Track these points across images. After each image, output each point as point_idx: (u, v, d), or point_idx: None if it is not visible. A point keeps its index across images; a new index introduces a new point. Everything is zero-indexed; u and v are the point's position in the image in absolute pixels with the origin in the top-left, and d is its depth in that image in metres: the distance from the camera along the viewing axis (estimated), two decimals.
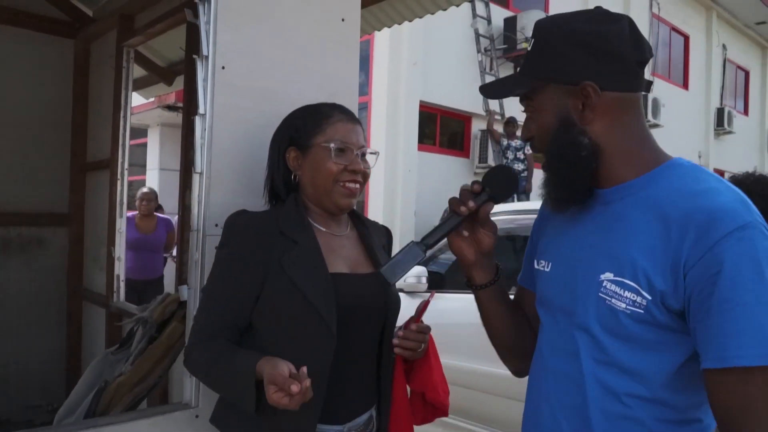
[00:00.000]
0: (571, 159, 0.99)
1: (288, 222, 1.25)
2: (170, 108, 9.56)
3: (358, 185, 1.29)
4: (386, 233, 1.49)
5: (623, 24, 0.98)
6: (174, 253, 6.89)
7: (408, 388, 1.36)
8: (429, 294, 1.32)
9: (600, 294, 0.95)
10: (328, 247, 1.27)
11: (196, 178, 1.41)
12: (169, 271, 6.19)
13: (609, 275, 0.94)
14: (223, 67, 1.42)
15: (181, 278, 2.00)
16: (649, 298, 0.90)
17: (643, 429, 0.94)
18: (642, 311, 0.91)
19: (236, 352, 1.17)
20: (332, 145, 1.26)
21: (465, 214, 1.11)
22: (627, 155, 0.99)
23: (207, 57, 1.40)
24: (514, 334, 1.21)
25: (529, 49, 1.06)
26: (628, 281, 0.92)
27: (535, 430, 1.08)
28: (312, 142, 1.28)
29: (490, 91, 1.14)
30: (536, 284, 1.14)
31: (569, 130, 0.99)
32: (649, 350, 0.93)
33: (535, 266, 1.14)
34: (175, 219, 8.13)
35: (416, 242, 1.14)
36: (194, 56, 1.41)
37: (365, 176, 1.31)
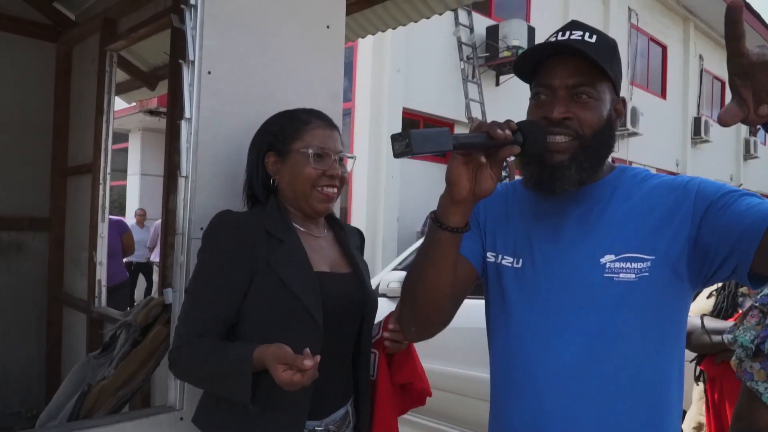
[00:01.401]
0: (609, 149, 1.12)
1: (272, 222, 1.28)
2: (152, 113, 9.49)
3: (335, 189, 1.33)
4: (359, 235, 1.53)
5: None
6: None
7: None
8: None
9: (605, 275, 1.05)
10: (309, 247, 1.31)
11: (181, 182, 1.42)
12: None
13: (610, 257, 1.06)
14: (210, 72, 1.43)
15: (165, 282, 2.00)
16: (652, 257, 1.04)
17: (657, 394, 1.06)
18: (648, 274, 1.03)
19: (228, 346, 1.19)
20: (311, 150, 1.29)
21: (499, 138, 0.97)
22: (606, 163, 1.15)
23: (193, 62, 1.41)
24: (448, 291, 1.11)
25: (593, 41, 1.08)
26: (631, 254, 1.05)
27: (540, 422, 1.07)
28: (290, 148, 1.31)
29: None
30: (499, 278, 1.15)
31: (612, 128, 1.12)
32: (657, 315, 1.05)
33: (494, 260, 1.17)
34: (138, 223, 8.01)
35: (452, 134, 0.98)
36: (180, 61, 1.43)
37: (342, 181, 1.34)
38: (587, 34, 1.09)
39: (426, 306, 1.12)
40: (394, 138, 0.94)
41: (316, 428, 1.26)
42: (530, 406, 1.08)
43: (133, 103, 7.64)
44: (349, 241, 1.43)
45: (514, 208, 1.20)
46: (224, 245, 1.23)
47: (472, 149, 0.99)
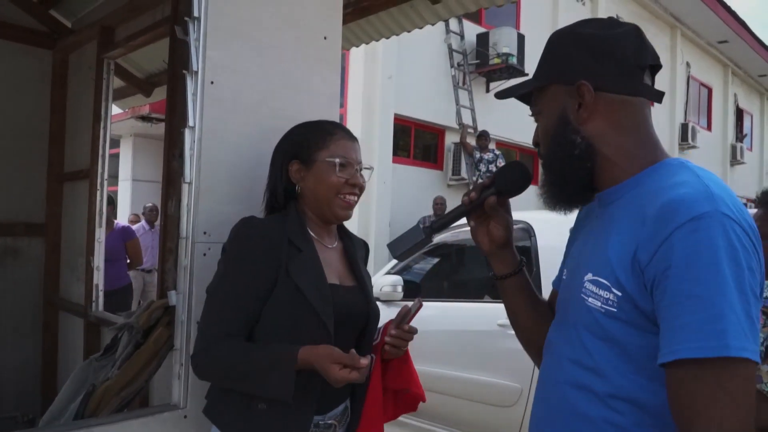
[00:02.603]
0: (565, 157, 1.02)
1: (293, 230, 1.34)
2: (144, 119, 9.49)
3: (355, 198, 1.41)
4: (365, 246, 1.59)
5: (628, 29, 1.03)
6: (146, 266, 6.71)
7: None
8: (418, 301, 1.41)
9: (581, 295, 0.98)
10: (322, 258, 1.36)
11: (185, 187, 1.47)
12: None
13: (589, 275, 0.97)
14: (212, 82, 1.49)
15: (164, 285, 2.04)
16: (619, 294, 0.91)
17: None
18: (615, 309, 0.91)
19: (266, 346, 1.25)
20: (337, 160, 1.35)
21: (466, 204, 1.19)
22: (622, 157, 1.00)
23: (197, 72, 1.47)
24: (533, 328, 1.23)
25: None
26: (602, 279, 0.94)
27: None
28: (316, 157, 1.37)
29: (503, 94, 1.16)
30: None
31: (564, 129, 1.02)
32: (630, 352, 0.91)
33: (562, 273, 1.17)
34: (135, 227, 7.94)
35: (422, 226, 1.23)
36: (184, 71, 1.48)
37: (361, 190, 1.42)
38: (544, 49, 1.09)
39: (526, 344, 1.27)
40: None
41: (320, 422, 1.33)
42: (532, 419, 1.11)
43: (126, 109, 7.66)
44: (357, 253, 1.50)
45: (584, 223, 1.16)
46: (252, 250, 1.28)
47: (455, 221, 1.22)
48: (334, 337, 1.28)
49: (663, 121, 14.53)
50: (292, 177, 1.40)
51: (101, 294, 2.84)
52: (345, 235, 1.51)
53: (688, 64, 15.53)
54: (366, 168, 1.44)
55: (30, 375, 3.19)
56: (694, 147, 15.06)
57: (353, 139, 1.43)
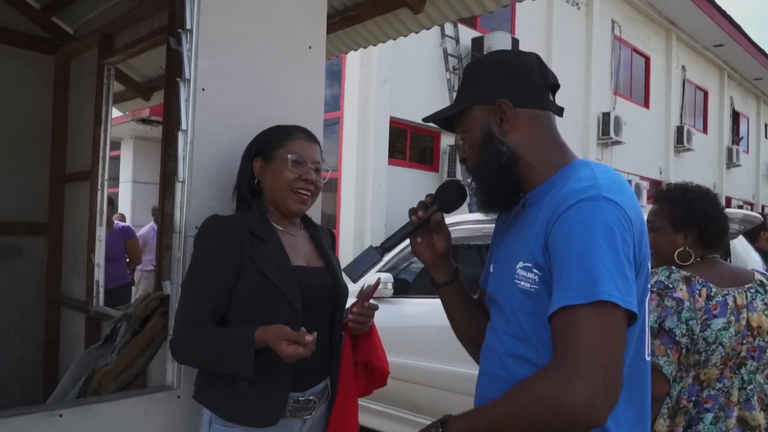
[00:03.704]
0: (494, 166, 1.17)
1: (255, 223, 1.46)
2: (144, 121, 9.61)
3: (309, 194, 1.52)
4: (331, 236, 1.73)
5: (531, 56, 1.23)
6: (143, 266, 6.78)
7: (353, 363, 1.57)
8: (377, 279, 1.55)
9: (514, 280, 1.13)
10: (288, 244, 1.50)
11: (178, 186, 1.59)
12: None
13: (520, 263, 1.12)
14: (203, 89, 1.61)
15: (161, 279, 2.16)
16: (539, 273, 1.08)
17: None
18: (538, 287, 1.08)
19: (230, 330, 1.37)
20: (290, 156, 1.48)
21: (416, 222, 1.32)
22: (540, 162, 1.17)
23: (189, 80, 1.59)
24: (472, 328, 1.37)
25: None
26: (528, 263, 1.10)
27: (475, 401, 1.25)
28: (274, 154, 1.51)
29: (431, 118, 1.32)
30: (488, 285, 1.33)
31: (491, 141, 1.18)
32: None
33: (489, 270, 1.31)
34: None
35: (374, 246, 1.34)
36: (177, 79, 1.60)
37: (317, 188, 1.54)
38: (462, 78, 1.26)
39: (467, 343, 1.42)
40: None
41: (299, 398, 1.44)
42: (476, 391, 1.26)
43: (126, 112, 7.77)
44: (323, 239, 1.63)
45: (507, 226, 1.28)
46: (216, 245, 1.41)
47: (403, 240, 1.33)
48: (306, 316, 1.39)
49: (658, 124, 14.64)
50: (255, 173, 1.53)
51: (101, 290, 2.95)
52: (310, 225, 1.64)
53: (683, 68, 15.64)
54: (324, 169, 1.56)
55: (32, 370, 3.29)
56: (689, 150, 15.15)
57: (312, 141, 1.55)
